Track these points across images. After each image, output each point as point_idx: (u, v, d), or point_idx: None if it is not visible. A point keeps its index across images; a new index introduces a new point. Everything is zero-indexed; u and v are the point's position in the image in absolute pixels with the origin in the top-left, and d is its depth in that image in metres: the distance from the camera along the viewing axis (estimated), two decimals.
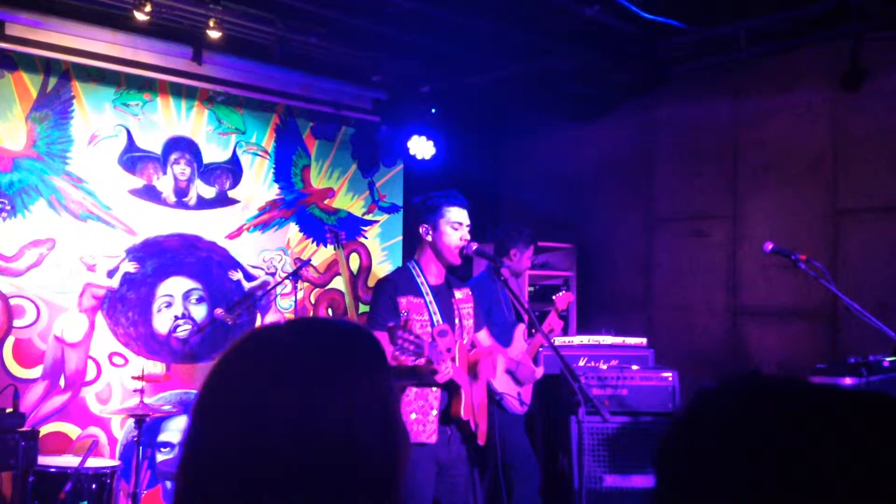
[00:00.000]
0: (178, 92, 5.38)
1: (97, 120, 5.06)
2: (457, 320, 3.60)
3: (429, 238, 3.56)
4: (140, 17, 4.38)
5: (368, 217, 6.35)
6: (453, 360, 3.46)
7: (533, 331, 4.80)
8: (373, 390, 0.93)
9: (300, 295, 5.52)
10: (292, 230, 5.92)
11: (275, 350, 0.94)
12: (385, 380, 0.95)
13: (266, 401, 0.89)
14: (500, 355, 3.86)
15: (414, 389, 3.44)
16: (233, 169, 5.65)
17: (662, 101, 6.04)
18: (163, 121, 5.34)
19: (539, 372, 4.89)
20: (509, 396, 4.64)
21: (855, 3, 4.71)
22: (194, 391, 4.32)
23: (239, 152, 5.68)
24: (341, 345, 0.96)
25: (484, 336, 3.85)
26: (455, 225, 3.53)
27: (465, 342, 3.61)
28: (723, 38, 5.29)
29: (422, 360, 3.20)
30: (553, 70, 5.74)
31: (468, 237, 3.57)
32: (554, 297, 4.97)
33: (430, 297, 3.53)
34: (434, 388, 3.45)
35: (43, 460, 4.17)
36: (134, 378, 4.34)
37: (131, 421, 4.60)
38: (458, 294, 3.68)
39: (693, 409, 0.80)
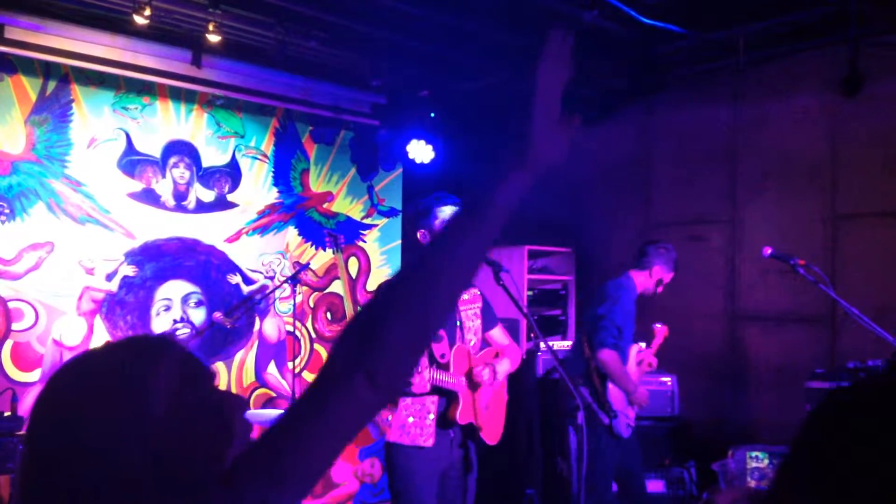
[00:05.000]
0: (177, 96, 5.38)
1: (96, 123, 5.06)
2: (458, 323, 3.59)
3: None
4: (139, 20, 4.38)
5: (367, 221, 6.35)
6: (446, 366, 3.45)
7: (532, 335, 4.77)
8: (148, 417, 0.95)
9: (299, 299, 5.51)
10: (291, 234, 5.92)
11: (78, 378, 0.99)
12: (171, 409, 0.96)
13: (69, 432, 0.94)
14: (505, 350, 3.82)
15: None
16: (232, 173, 5.65)
17: (661, 105, 6.05)
18: (162, 124, 5.34)
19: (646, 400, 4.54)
20: (623, 415, 4.35)
21: (854, 9, 4.72)
22: None
23: (238, 156, 5.68)
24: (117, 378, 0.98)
25: (499, 334, 3.81)
26: None
27: (469, 344, 3.60)
28: (721, 42, 5.29)
29: None
30: None
31: None
32: (655, 328, 4.69)
33: None
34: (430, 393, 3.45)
35: None
36: None
37: None
38: (462, 295, 3.66)
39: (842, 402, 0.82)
